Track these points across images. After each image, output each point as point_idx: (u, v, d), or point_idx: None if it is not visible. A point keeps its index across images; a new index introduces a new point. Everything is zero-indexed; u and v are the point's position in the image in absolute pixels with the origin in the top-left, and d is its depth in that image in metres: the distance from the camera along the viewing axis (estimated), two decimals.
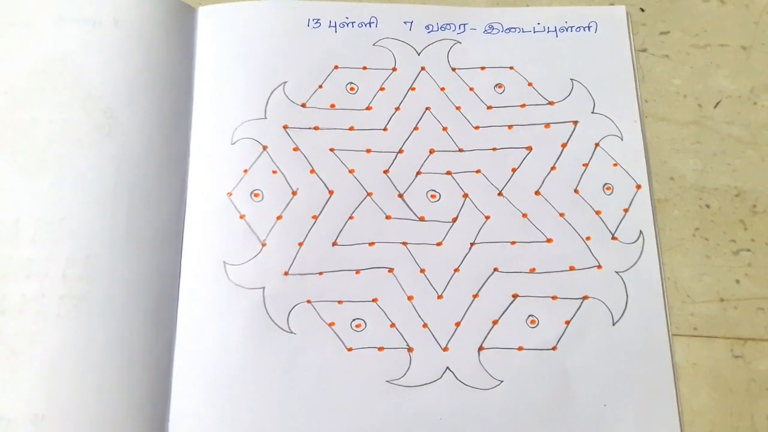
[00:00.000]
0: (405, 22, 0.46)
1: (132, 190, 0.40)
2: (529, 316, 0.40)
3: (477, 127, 0.44)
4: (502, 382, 0.39)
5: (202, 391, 0.38)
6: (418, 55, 0.45)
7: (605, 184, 0.42)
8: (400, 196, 0.42)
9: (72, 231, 0.39)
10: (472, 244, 0.41)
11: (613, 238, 0.41)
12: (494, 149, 0.43)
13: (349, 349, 0.39)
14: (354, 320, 0.40)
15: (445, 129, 0.44)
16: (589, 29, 0.45)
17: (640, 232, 0.41)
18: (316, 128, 0.43)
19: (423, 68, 0.45)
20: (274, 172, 0.42)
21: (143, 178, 0.41)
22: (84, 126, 0.41)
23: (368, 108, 0.44)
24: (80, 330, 0.37)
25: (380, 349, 0.39)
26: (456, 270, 0.41)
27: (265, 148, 0.43)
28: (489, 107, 0.44)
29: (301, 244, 0.41)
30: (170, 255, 0.40)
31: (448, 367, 0.39)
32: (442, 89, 0.44)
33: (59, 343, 0.37)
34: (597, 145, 0.43)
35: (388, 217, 0.42)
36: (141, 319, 0.38)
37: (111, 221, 0.39)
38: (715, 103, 0.45)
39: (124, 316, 0.38)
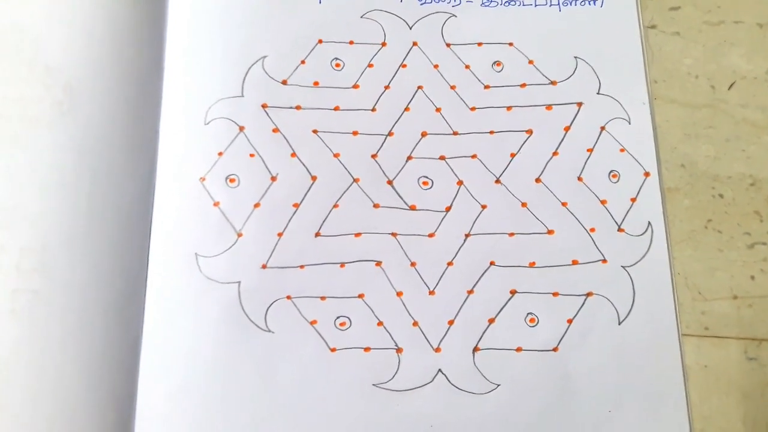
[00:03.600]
0: None
1: (94, 174, 0.38)
2: (528, 314, 0.39)
3: (473, 108, 0.42)
4: (498, 385, 0.37)
5: (171, 395, 0.37)
6: (410, 29, 0.44)
7: (611, 171, 0.41)
8: (390, 182, 0.41)
9: (27, 218, 0.37)
10: (467, 236, 0.40)
11: (620, 229, 0.40)
12: (492, 132, 0.42)
13: (333, 350, 0.38)
14: (338, 318, 0.38)
15: (438, 110, 0.42)
16: (594, 3, 0.44)
17: (649, 223, 0.40)
18: (297, 108, 0.42)
19: (415, 43, 0.43)
20: (252, 155, 0.41)
21: (107, 161, 0.39)
22: (42, 102, 0.39)
23: (355, 86, 0.42)
24: (36, 327, 0.36)
25: (366, 349, 0.38)
26: (449, 264, 0.39)
27: (241, 129, 0.41)
28: (486, 87, 0.42)
29: (280, 235, 0.39)
30: (137, 246, 0.39)
31: (440, 370, 0.38)
32: (436, 66, 0.43)
33: (12, 341, 0.36)
34: (602, 128, 0.42)
35: (375, 206, 0.40)
36: (103, 315, 0.37)
37: (70, 208, 0.38)
38: (729, 85, 0.43)
39: (84, 313, 0.37)
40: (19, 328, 0.36)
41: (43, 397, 0.35)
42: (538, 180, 0.41)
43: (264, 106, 0.41)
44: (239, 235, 0.39)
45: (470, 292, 0.39)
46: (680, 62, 0.44)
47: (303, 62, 0.42)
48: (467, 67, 0.43)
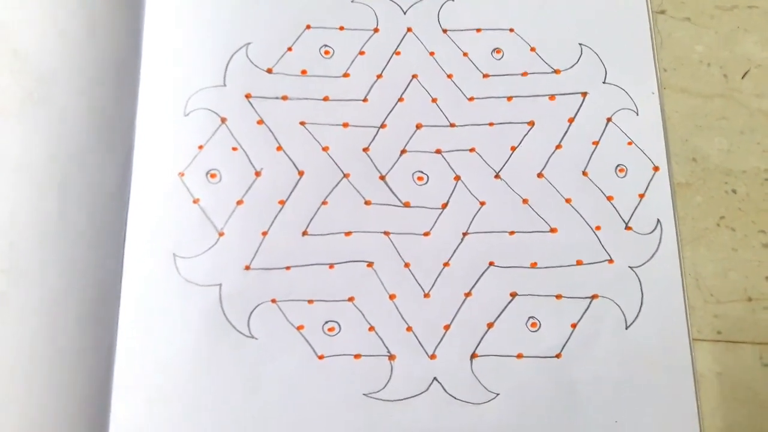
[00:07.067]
0: None
1: (66, 169, 0.38)
2: (529, 318, 0.38)
3: (471, 99, 0.41)
4: (498, 395, 0.37)
5: (147, 405, 0.36)
6: (404, 13, 0.43)
7: (618, 165, 0.40)
8: (382, 178, 0.40)
9: None
10: (464, 234, 0.39)
11: (627, 227, 0.39)
12: (491, 124, 0.41)
13: (321, 357, 0.37)
14: (326, 323, 0.37)
15: (434, 100, 0.41)
16: None
17: (658, 221, 0.39)
18: (284, 98, 0.41)
19: (409, 29, 0.43)
20: (234, 148, 0.40)
21: (80, 155, 0.38)
22: (10, 92, 0.38)
23: (345, 75, 0.41)
24: (3, 332, 0.35)
25: (357, 356, 0.37)
26: (446, 264, 0.39)
27: (223, 120, 0.40)
28: (485, 75, 0.42)
29: (265, 234, 0.38)
30: (111, 246, 0.38)
31: (435, 378, 0.37)
32: (432, 54, 0.42)
33: None
34: (609, 120, 0.41)
35: (367, 203, 0.39)
36: (75, 320, 0.36)
37: (40, 205, 0.37)
38: (743, 73, 0.42)
39: (54, 317, 0.36)
40: None
41: (12, 405, 0.34)
42: (540, 175, 0.40)
43: (248, 96, 0.41)
44: (221, 234, 0.38)
45: (468, 294, 0.38)
46: (691, 49, 0.43)
47: (290, 49, 0.42)
48: (465, 54, 0.42)
